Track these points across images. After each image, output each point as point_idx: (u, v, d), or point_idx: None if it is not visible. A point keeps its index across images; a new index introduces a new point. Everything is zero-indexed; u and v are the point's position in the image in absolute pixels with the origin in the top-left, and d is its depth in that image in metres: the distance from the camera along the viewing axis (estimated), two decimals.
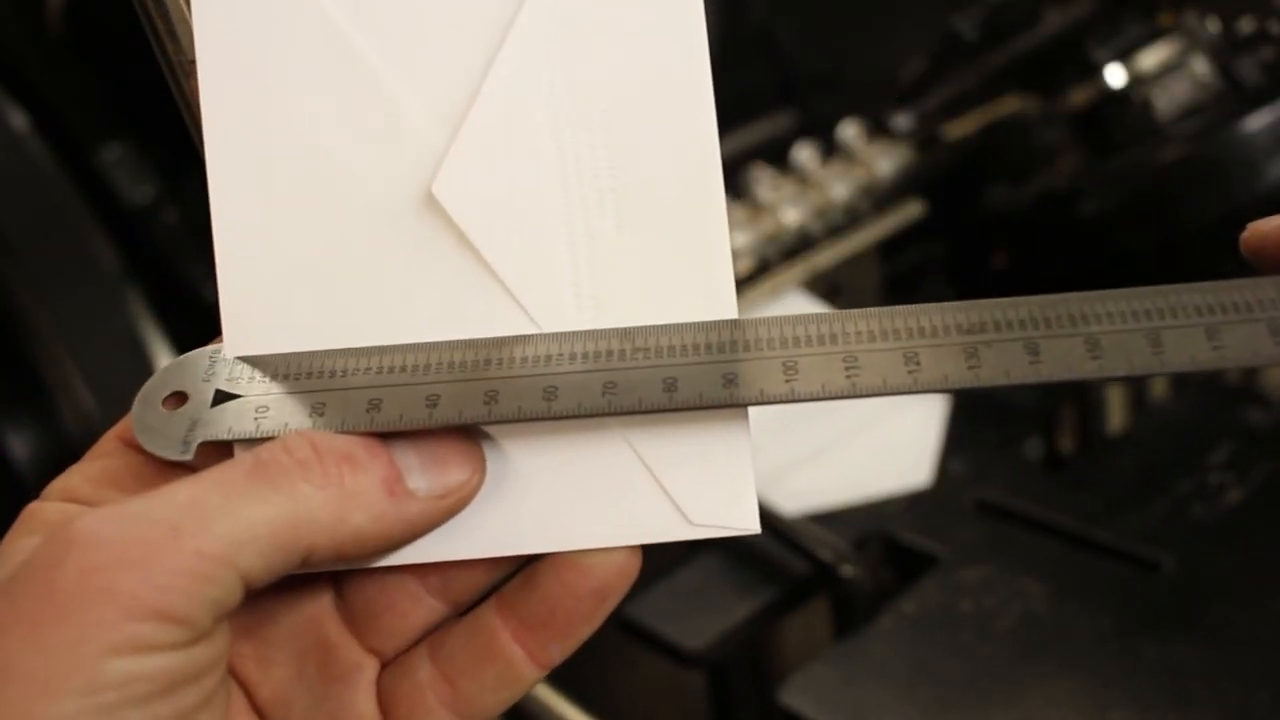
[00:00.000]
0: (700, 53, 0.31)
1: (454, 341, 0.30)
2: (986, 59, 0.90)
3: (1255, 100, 0.77)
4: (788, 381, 0.29)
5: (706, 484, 0.30)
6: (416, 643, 0.31)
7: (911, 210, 0.88)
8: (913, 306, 0.29)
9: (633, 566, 0.30)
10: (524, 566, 0.31)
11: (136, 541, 0.24)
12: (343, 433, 0.28)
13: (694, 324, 0.30)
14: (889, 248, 0.88)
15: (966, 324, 0.29)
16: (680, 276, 0.31)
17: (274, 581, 0.26)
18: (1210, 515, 0.63)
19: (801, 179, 0.85)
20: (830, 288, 0.85)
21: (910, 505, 0.68)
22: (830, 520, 0.66)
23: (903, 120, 0.89)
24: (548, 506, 0.30)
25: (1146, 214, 0.79)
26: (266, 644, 0.31)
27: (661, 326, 0.30)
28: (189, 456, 0.29)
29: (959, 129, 0.90)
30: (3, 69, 0.84)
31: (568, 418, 0.29)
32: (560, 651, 0.31)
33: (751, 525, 0.30)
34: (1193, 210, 0.78)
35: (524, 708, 0.59)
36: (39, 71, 0.86)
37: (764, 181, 0.83)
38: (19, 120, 0.79)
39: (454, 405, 0.29)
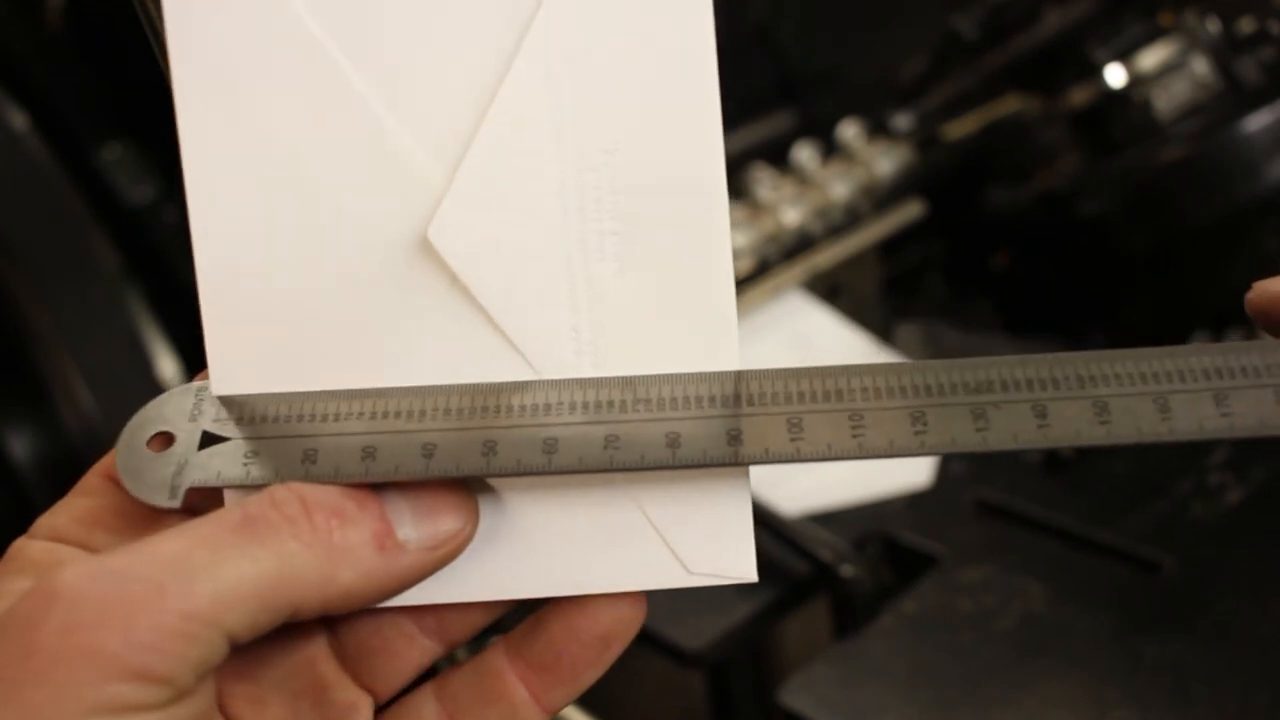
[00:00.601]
0: (711, 95, 0.29)
1: (450, 386, 0.29)
2: (986, 59, 0.90)
3: (1255, 100, 0.77)
4: (793, 440, 0.28)
5: (706, 533, 0.30)
6: (413, 683, 0.31)
7: (911, 210, 0.88)
8: (919, 363, 0.29)
9: (639, 615, 0.30)
10: (529, 610, 0.31)
11: (119, 600, 0.24)
12: (335, 482, 0.28)
13: (697, 375, 0.29)
14: (889, 248, 0.88)
15: (974, 383, 0.28)
16: (682, 324, 0.30)
17: (259, 636, 0.26)
18: (1210, 515, 0.63)
19: (801, 179, 0.85)
20: (830, 288, 0.85)
21: (910, 505, 0.68)
22: (830, 520, 0.66)
23: (903, 120, 0.89)
24: (545, 551, 0.30)
25: (1146, 214, 0.79)
26: (259, 684, 0.30)
27: (664, 376, 0.29)
28: (177, 504, 0.28)
29: (959, 129, 0.90)
30: (3, 69, 0.84)
31: (569, 473, 0.28)
32: (565, 696, 0.31)
33: (749, 575, 0.30)
34: (1193, 210, 0.78)
35: None
36: (39, 71, 0.86)
37: (764, 181, 0.83)
38: (19, 120, 0.79)
39: (451, 456, 0.28)
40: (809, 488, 0.68)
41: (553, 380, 0.30)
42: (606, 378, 0.29)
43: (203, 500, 0.29)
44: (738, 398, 0.29)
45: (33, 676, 0.23)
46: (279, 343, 0.30)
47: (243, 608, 0.25)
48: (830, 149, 0.89)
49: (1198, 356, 0.28)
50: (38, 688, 0.23)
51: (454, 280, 0.30)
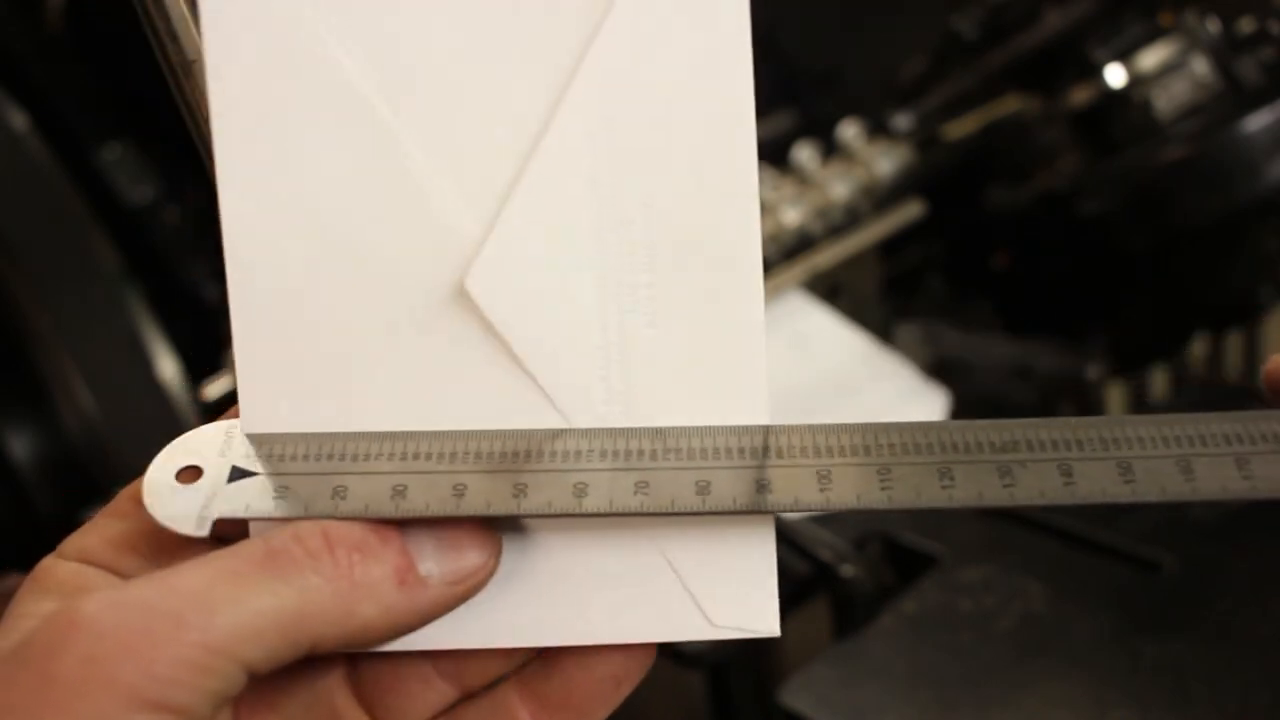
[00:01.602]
0: (749, 153, 0.30)
1: (481, 431, 0.29)
2: (986, 59, 0.90)
3: (1255, 100, 0.77)
4: (822, 491, 0.29)
5: (730, 585, 0.30)
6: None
7: (911, 210, 0.88)
8: (945, 422, 0.30)
9: (650, 656, 0.31)
10: (543, 649, 0.31)
11: (139, 631, 0.24)
12: (364, 518, 0.28)
13: (726, 428, 0.30)
14: (889, 248, 0.88)
15: (1000, 442, 0.29)
16: (712, 377, 0.30)
17: (278, 669, 0.26)
18: (1210, 515, 0.63)
19: (801, 179, 0.85)
20: (830, 288, 0.85)
21: None
22: (830, 520, 0.66)
23: (903, 120, 0.89)
24: (569, 599, 0.30)
25: (1146, 214, 0.79)
26: (277, 714, 0.30)
27: (694, 429, 0.30)
28: (205, 534, 0.28)
29: (959, 129, 0.90)
30: (3, 69, 0.84)
31: (599, 515, 0.28)
32: None
33: (772, 629, 0.30)
34: (1193, 210, 0.78)
35: None
36: (39, 71, 0.86)
37: (764, 181, 0.83)
38: (19, 120, 0.79)
39: (482, 496, 0.28)
40: None
41: (584, 429, 0.30)
42: (637, 428, 0.30)
43: (231, 530, 0.29)
44: (766, 449, 0.29)
45: (53, 707, 0.23)
46: (310, 384, 0.30)
47: (261, 641, 0.25)
48: (830, 149, 0.88)
49: (1219, 423, 0.29)
50: (57, 717, 0.23)
51: (487, 328, 0.30)
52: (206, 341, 0.81)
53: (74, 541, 0.29)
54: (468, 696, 0.31)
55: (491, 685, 0.32)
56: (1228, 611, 0.56)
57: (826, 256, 0.84)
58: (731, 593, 0.30)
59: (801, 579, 0.62)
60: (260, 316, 0.30)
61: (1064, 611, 0.57)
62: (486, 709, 0.31)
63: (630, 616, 0.30)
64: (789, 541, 0.62)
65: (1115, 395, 0.90)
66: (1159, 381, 0.95)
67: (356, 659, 0.31)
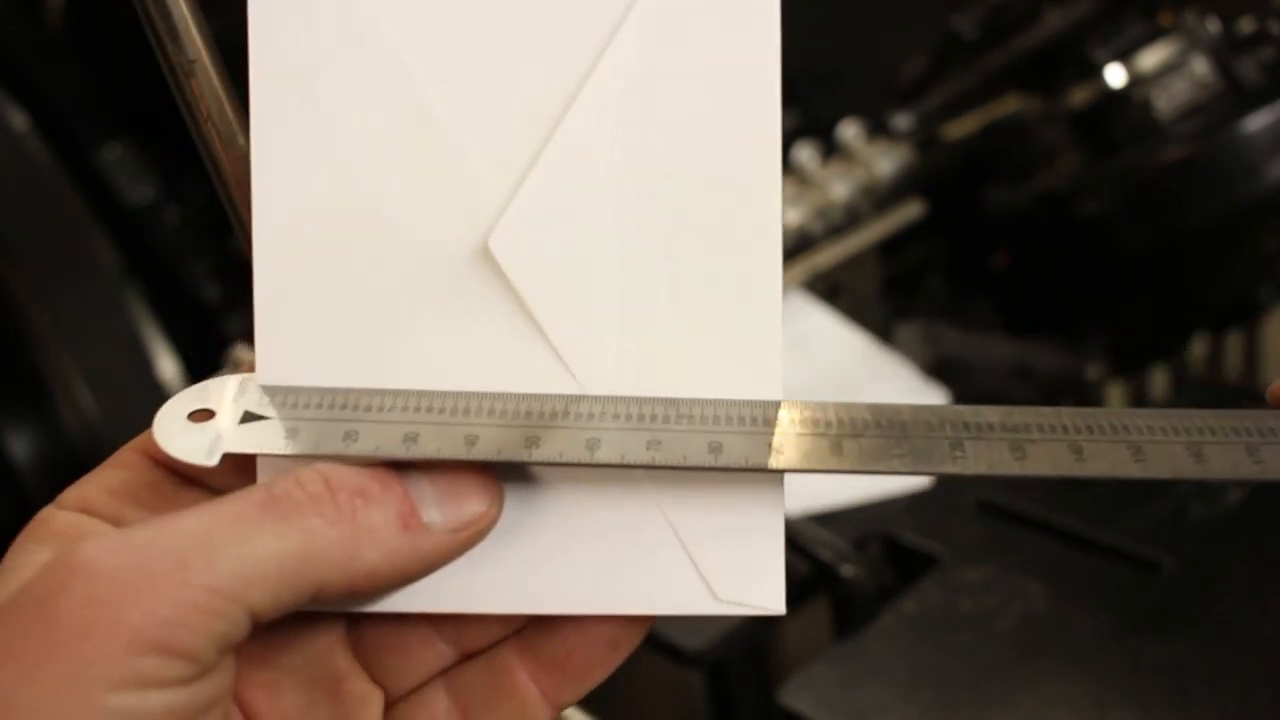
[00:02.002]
0: (773, 131, 0.30)
1: (496, 393, 0.30)
2: (986, 59, 0.90)
3: (1255, 100, 0.77)
4: (834, 454, 0.29)
5: (737, 560, 0.30)
6: (423, 683, 0.31)
7: (911, 210, 0.88)
8: (958, 407, 0.30)
9: (649, 621, 0.31)
10: None
11: (142, 573, 0.24)
12: (374, 460, 0.28)
13: (740, 401, 0.30)
14: (889, 248, 0.88)
15: (1012, 424, 0.29)
16: (727, 351, 0.30)
17: (283, 616, 0.26)
18: (1210, 515, 0.63)
19: (801, 179, 0.85)
20: (830, 288, 0.85)
21: (910, 505, 0.68)
22: (830, 520, 0.66)
23: (903, 120, 0.89)
24: (575, 568, 0.30)
25: (1146, 214, 0.79)
26: (276, 671, 0.30)
27: (707, 400, 0.30)
28: (213, 462, 0.28)
29: (959, 129, 0.90)
30: (3, 69, 0.84)
31: (610, 466, 0.29)
32: (573, 694, 0.31)
33: (777, 606, 0.30)
34: (1193, 210, 0.78)
35: None
36: (39, 71, 0.86)
37: None
38: (19, 120, 0.79)
39: (493, 445, 0.28)
40: (810, 488, 0.68)
41: (599, 396, 0.30)
42: (651, 397, 0.30)
43: (235, 479, 0.29)
44: (781, 420, 0.29)
45: (55, 650, 0.23)
46: (328, 339, 0.30)
47: (266, 584, 0.25)
48: (830, 149, 0.88)
49: (1229, 419, 0.29)
50: (58, 660, 0.23)
51: (507, 292, 0.30)
52: (206, 341, 0.81)
53: (73, 492, 0.29)
54: (467, 657, 0.31)
55: (491, 646, 0.31)
56: (1228, 611, 0.56)
57: (826, 256, 0.84)
58: (738, 569, 0.30)
59: (801, 579, 0.62)
60: (283, 269, 0.30)
61: (1064, 611, 0.57)
62: (485, 669, 0.31)
63: (635, 587, 0.30)
64: (789, 541, 0.62)
65: (1115, 395, 0.90)
66: (1159, 381, 0.95)
67: (357, 620, 0.31)
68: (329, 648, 0.30)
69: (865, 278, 0.87)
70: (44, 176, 0.78)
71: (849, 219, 0.86)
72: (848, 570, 0.60)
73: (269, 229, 0.30)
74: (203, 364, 0.72)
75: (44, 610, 0.24)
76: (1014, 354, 0.84)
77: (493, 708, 0.31)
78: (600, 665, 0.31)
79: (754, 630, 0.61)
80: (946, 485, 0.69)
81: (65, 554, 0.24)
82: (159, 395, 0.72)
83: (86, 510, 0.28)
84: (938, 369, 0.82)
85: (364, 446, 0.28)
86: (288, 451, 0.28)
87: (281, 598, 0.25)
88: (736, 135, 0.30)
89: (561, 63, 0.30)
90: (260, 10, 0.30)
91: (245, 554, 0.25)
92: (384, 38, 0.30)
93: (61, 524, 0.28)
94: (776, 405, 0.30)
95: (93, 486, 0.29)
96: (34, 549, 0.27)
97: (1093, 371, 0.82)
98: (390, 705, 0.31)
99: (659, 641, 0.59)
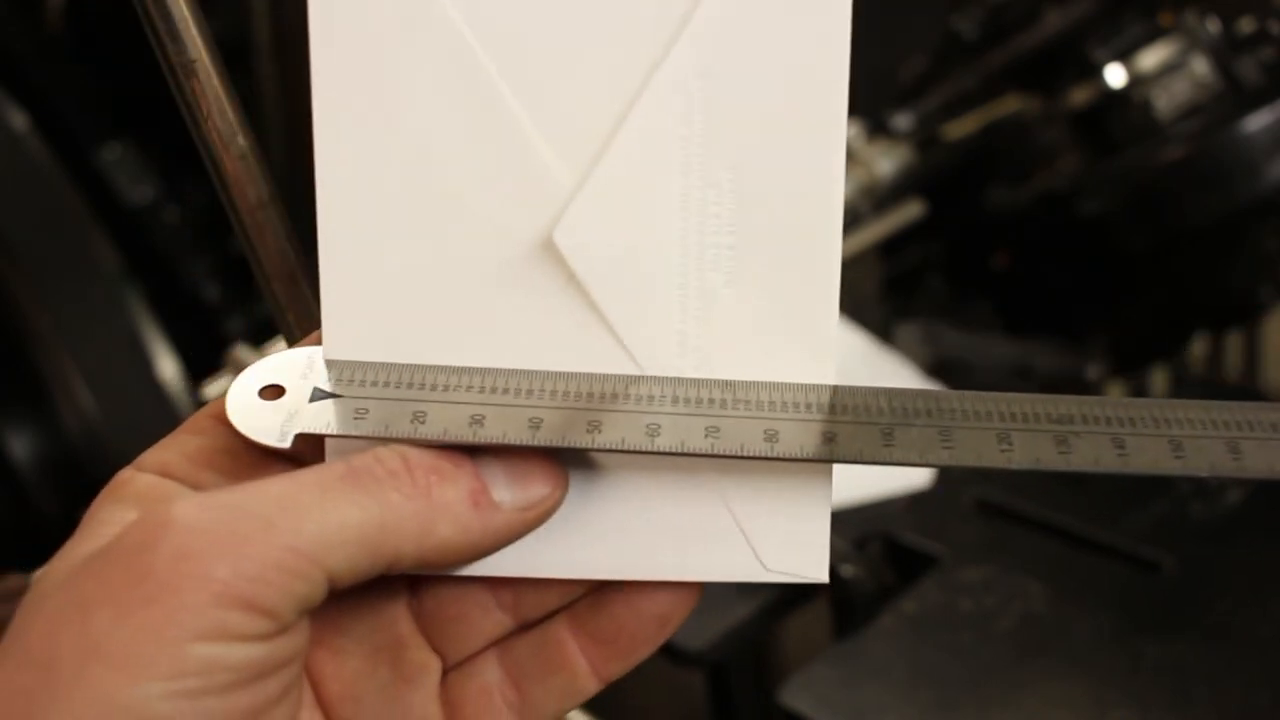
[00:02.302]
0: (839, 127, 0.30)
1: (559, 373, 0.31)
2: (986, 59, 0.90)
3: (1255, 100, 0.77)
4: (885, 446, 0.29)
5: (785, 534, 0.31)
6: (477, 653, 0.32)
7: (911, 210, 0.88)
8: (1004, 395, 0.31)
9: (694, 597, 0.32)
10: (597, 586, 0.32)
11: (230, 532, 0.25)
12: (444, 443, 0.29)
13: (795, 385, 0.31)
14: (889, 248, 0.88)
15: (1057, 414, 0.30)
16: (786, 338, 0.31)
17: (357, 583, 0.27)
18: (1210, 515, 0.63)
19: None
20: None
21: (910, 505, 0.68)
22: (830, 520, 0.66)
23: (903, 120, 0.89)
24: (629, 537, 0.31)
25: (1146, 214, 0.79)
26: (343, 636, 0.31)
27: (763, 384, 0.31)
28: (286, 445, 0.29)
29: (959, 129, 0.90)
30: (3, 69, 0.84)
31: (671, 454, 0.29)
32: (621, 668, 0.32)
33: (821, 575, 0.31)
34: (1193, 210, 0.78)
35: None
36: (39, 71, 0.86)
37: None
38: (19, 120, 0.79)
39: (557, 430, 0.29)
40: None
41: (657, 377, 0.31)
42: (709, 379, 0.31)
43: (308, 452, 0.30)
44: (834, 407, 0.30)
45: (144, 598, 0.24)
46: (392, 317, 0.31)
47: (346, 550, 0.26)
48: None
49: (1268, 413, 0.30)
50: (149, 609, 0.24)
51: (570, 278, 0.31)
52: (206, 341, 0.81)
53: (152, 455, 0.30)
54: (523, 628, 0.33)
55: (545, 619, 0.33)
56: (1228, 611, 0.56)
57: None
58: (786, 541, 0.31)
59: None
60: (347, 246, 0.31)
61: (1064, 611, 0.57)
62: (538, 642, 0.32)
63: (686, 556, 0.31)
64: None
65: (1115, 395, 0.90)
66: (1159, 381, 0.95)
67: (420, 589, 0.32)
68: (393, 615, 0.32)
69: (865, 278, 0.87)
70: (44, 176, 0.78)
71: (849, 219, 0.86)
72: (848, 570, 0.60)
73: (333, 206, 0.31)
74: (203, 364, 0.72)
75: (138, 560, 0.25)
76: (1014, 354, 0.84)
77: (543, 679, 0.32)
78: (648, 641, 0.32)
79: (754, 630, 0.61)
80: (946, 485, 0.69)
81: (157, 510, 0.26)
82: (159, 395, 0.72)
83: (166, 474, 0.29)
84: (938, 369, 0.82)
85: (432, 429, 0.29)
86: (358, 433, 0.29)
87: (359, 564, 0.26)
88: (800, 133, 0.30)
89: (631, 55, 0.30)
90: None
91: (328, 520, 0.26)
92: (448, 21, 0.30)
93: (142, 485, 0.29)
94: (831, 390, 0.31)
95: (172, 451, 0.30)
96: (114, 508, 0.28)
97: (1093, 371, 0.82)
98: (445, 673, 0.32)
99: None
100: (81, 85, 0.88)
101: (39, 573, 0.27)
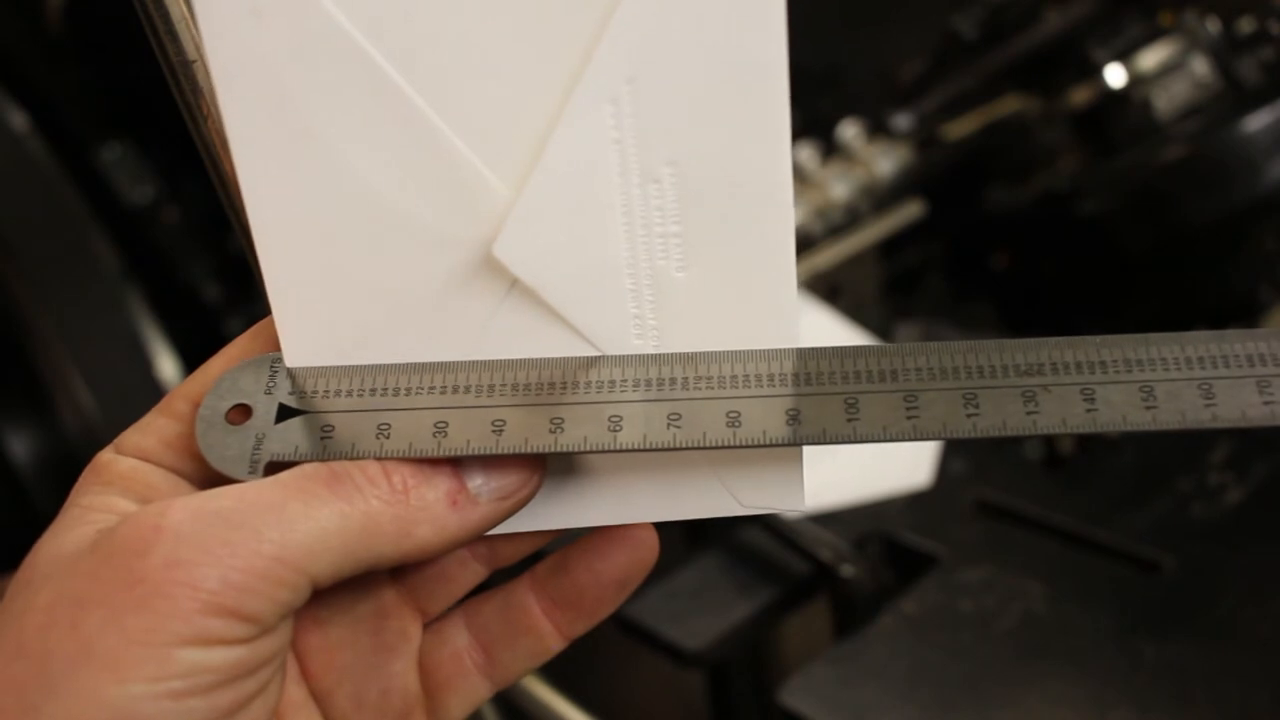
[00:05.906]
0: (780, 92, 0.30)
1: (519, 361, 0.31)
2: (986, 59, 0.90)
3: (1255, 100, 0.77)
4: (849, 421, 0.29)
5: (758, 468, 0.32)
6: (453, 607, 0.35)
7: (911, 210, 0.88)
8: (972, 343, 0.30)
9: (651, 558, 0.34)
10: (556, 545, 0.34)
11: (221, 541, 0.26)
12: (409, 457, 0.29)
13: (758, 352, 0.31)
14: (889, 248, 0.88)
15: (1025, 365, 0.30)
16: (744, 307, 0.31)
17: (339, 582, 0.28)
18: (1210, 515, 0.63)
19: (801, 179, 0.85)
20: (830, 288, 0.85)
21: (910, 505, 0.68)
22: (830, 520, 0.66)
23: (903, 120, 0.89)
24: (607, 485, 0.32)
25: (1146, 214, 0.79)
26: (326, 607, 0.33)
27: (725, 354, 0.31)
28: (258, 476, 0.29)
29: (959, 129, 0.90)
30: (3, 69, 0.84)
31: (633, 451, 0.30)
32: (584, 627, 0.34)
33: (798, 505, 0.32)
34: (1193, 210, 0.78)
35: (525, 707, 0.59)
36: (39, 71, 0.86)
37: None
38: (19, 120, 0.79)
39: (520, 432, 0.30)
40: (809, 487, 0.68)
41: (617, 357, 0.31)
42: (669, 354, 0.31)
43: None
44: (796, 376, 0.30)
45: (136, 603, 0.25)
46: (346, 324, 0.31)
47: (329, 557, 0.27)
48: (830, 149, 0.88)
49: (1241, 342, 0.30)
50: (140, 614, 0.25)
51: (517, 282, 0.31)
52: (206, 341, 0.81)
53: (131, 439, 0.31)
54: (489, 593, 0.35)
55: (511, 576, 0.35)
56: (1228, 611, 0.56)
57: (826, 256, 0.84)
58: (760, 475, 0.32)
59: (801, 579, 0.62)
60: (286, 259, 0.31)
61: (1064, 611, 0.57)
62: (503, 607, 0.34)
63: (665, 499, 0.32)
64: (789, 542, 0.62)
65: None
66: None
67: None
68: (378, 585, 0.33)
69: (865, 278, 0.87)
70: (44, 176, 0.77)
71: (849, 219, 0.86)
72: (848, 570, 0.60)
73: (265, 224, 0.30)
74: (202, 364, 0.72)
75: (131, 565, 0.26)
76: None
77: (511, 641, 0.34)
78: (608, 602, 0.34)
79: (754, 630, 0.61)
80: (946, 485, 0.69)
81: (150, 513, 0.27)
82: (159, 395, 0.71)
83: (146, 459, 0.30)
84: None
85: (397, 444, 0.29)
86: (326, 456, 0.29)
87: (342, 568, 0.28)
88: (740, 107, 0.30)
89: (554, 61, 0.29)
90: (214, 35, 0.29)
91: (312, 529, 0.27)
92: (347, 39, 0.29)
93: (125, 469, 0.30)
94: (794, 355, 0.31)
95: (150, 437, 0.31)
96: (100, 491, 0.29)
97: None
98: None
99: (659, 641, 0.59)
100: (81, 85, 0.88)
101: (27, 559, 0.28)
